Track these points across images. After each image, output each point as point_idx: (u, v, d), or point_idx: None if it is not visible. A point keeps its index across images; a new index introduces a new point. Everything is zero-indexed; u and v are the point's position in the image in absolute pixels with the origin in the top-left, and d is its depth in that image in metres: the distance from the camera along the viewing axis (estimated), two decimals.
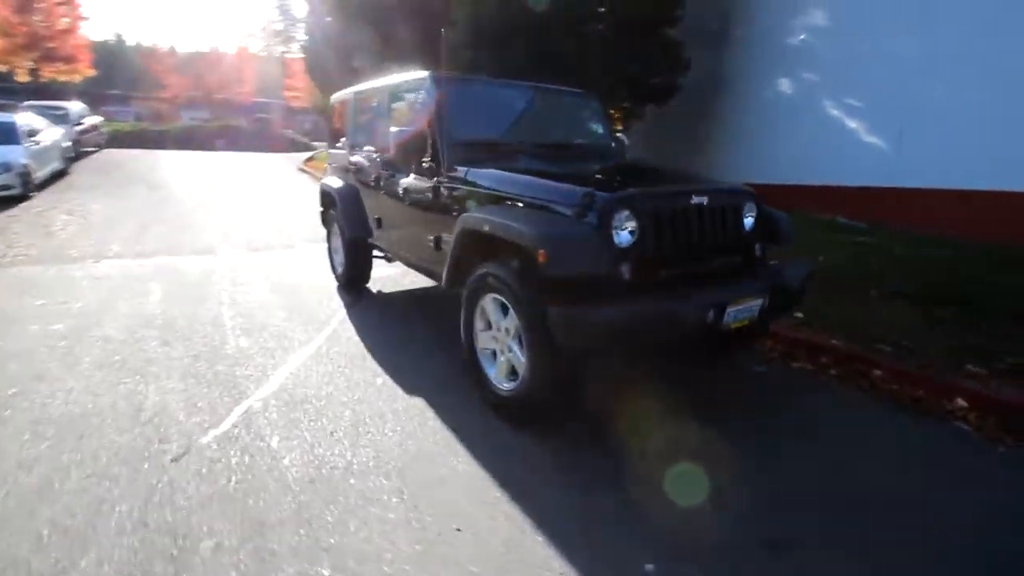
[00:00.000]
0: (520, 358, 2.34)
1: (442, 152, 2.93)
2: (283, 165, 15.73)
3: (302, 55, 16.12)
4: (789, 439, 2.47)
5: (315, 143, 21.78)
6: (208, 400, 2.63)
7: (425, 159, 3.03)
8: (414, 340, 3.51)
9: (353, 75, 8.73)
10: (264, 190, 11.08)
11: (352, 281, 4.39)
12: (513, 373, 2.44)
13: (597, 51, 7.12)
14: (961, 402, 2.69)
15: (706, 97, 8.25)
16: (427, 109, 3.04)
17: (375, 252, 4.14)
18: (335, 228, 4.42)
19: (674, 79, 7.63)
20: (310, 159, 16.29)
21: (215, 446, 2.26)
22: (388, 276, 4.87)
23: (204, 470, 2.10)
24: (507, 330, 2.42)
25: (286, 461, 2.16)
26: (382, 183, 3.68)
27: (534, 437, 2.35)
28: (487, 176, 2.69)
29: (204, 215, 7.98)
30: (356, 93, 4.19)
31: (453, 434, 2.38)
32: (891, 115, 6.26)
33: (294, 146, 22.06)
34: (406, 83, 3.41)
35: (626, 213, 2.18)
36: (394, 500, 1.95)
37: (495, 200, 2.58)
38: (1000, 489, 2.21)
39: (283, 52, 29.14)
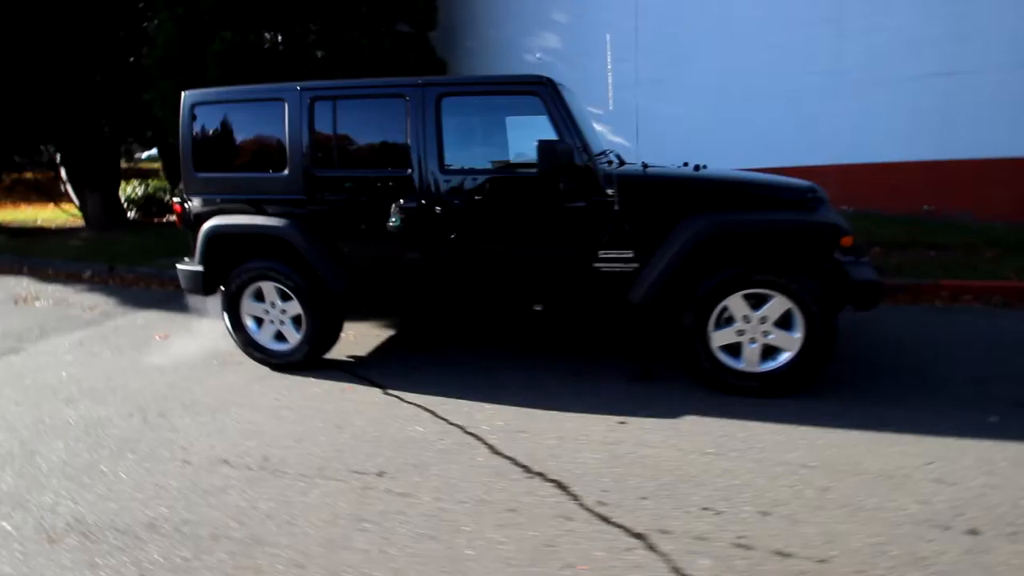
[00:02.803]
0: (781, 339, 2.69)
1: (594, 167, 2.81)
2: None
3: None
4: None
5: None
6: None
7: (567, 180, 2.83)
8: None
9: None
10: None
11: (319, 350, 3.43)
12: (766, 355, 2.75)
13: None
14: None
15: None
16: (566, 120, 2.81)
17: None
18: (270, 288, 3.35)
19: None
20: None
21: None
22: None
23: None
24: (762, 319, 2.69)
25: None
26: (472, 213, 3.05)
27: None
28: (671, 181, 2.84)
29: None
30: (345, 90, 3.21)
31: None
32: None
33: None
34: (506, 86, 3.00)
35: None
36: None
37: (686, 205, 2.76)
38: None
39: None
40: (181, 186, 3.49)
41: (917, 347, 3.48)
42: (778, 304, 2.67)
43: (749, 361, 2.78)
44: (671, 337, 2.94)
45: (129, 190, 11.54)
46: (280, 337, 3.47)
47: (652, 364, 3.33)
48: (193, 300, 4.79)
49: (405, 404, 2.95)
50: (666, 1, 7.59)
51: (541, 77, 2.81)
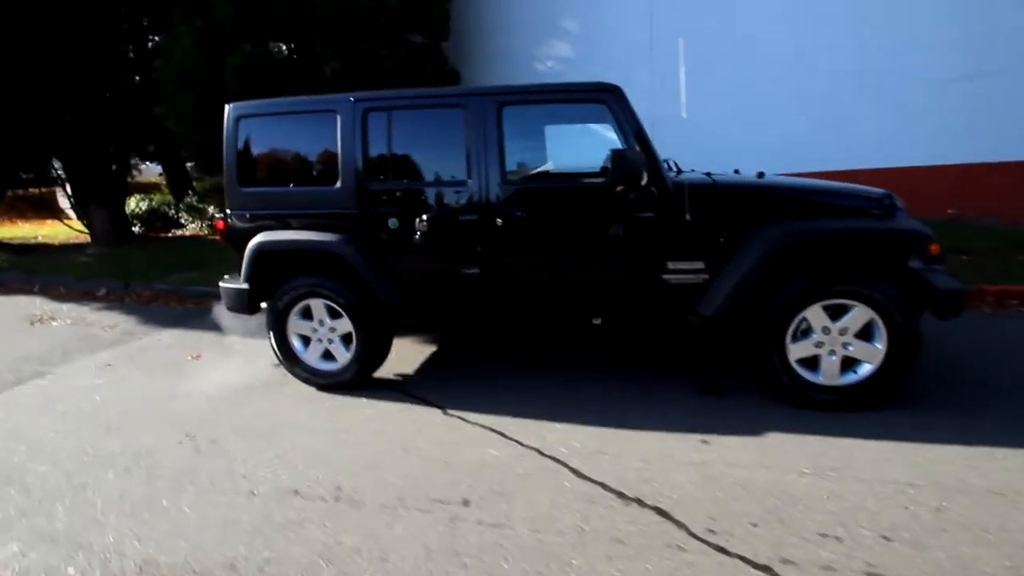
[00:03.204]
0: (862, 350, 2.62)
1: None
2: None
3: None
4: None
5: None
6: None
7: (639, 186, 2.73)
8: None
9: None
10: None
11: (369, 369, 3.31)
12: (845, 367, 2.67)
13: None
14: None
15: None
16: (635, 128, 2.73)
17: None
18: (319, 305, 3.22)
19: None
20: None
21: None
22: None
23: None
24: (842, 330, 2.61)
25: None
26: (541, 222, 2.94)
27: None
28: (742, 189, 2.76)
29: None
30: (405, 100, 3.10)
31: None
32: None
33: None
34: (571, 94, 2.91)
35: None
36: None
37: (763, 213, 2.70)
38: None
39: None
40: (226, 202, 3.38)
41: (982, 355, 3.41)
42: (860, 314, 2.59)
43: (828, 374, 2.69)
44: (744, 350, 2.86)
45: (133, 205, 11.37)
46: (327, 356, 3.35)
47: (718, 377, 3.23)
48: (220, 317, 4.67)
49: (469, 425, 2.83)
50: (680, 9, 7.60)
51: (608, 84, 2.73)
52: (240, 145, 3.25)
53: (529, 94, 2.89)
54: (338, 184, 3.10)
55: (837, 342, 2.66)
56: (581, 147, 3.10)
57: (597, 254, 2.90)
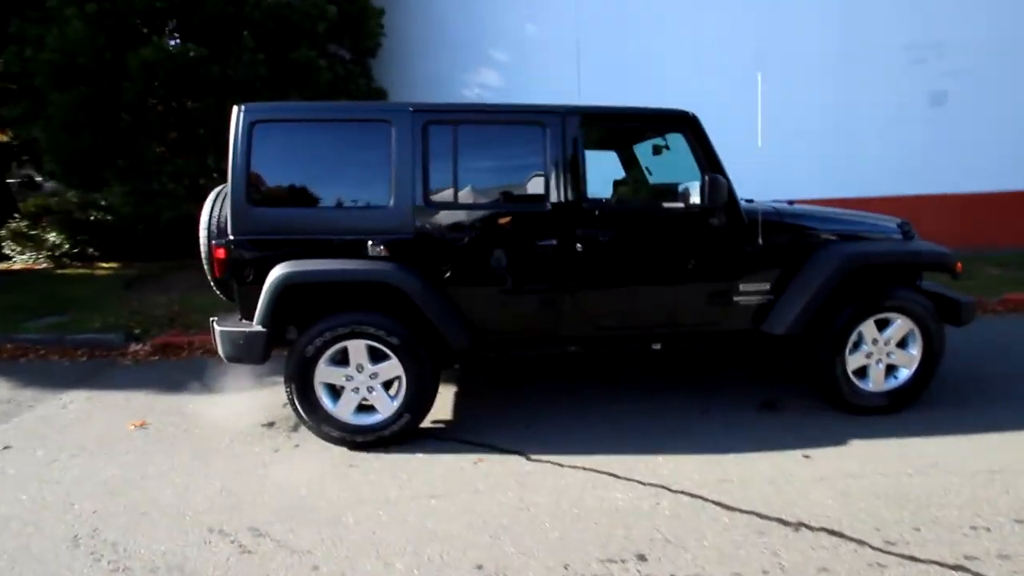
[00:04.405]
0: (902, 360, 2.96)
1: (714, 193, 2.77)
2: None
3: None
4: None
5: None
6: None
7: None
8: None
9: None
10: None
11: (420, 419, 2.87)
12: (890, 376, 3.00)
13: None
14: None
15: None
16: (712, 155, 2.82)
17: None
18: (359, 347, 2.71)
19: None
20: None
21: None
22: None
23: None
24: (886, 341, 2.93)
25: None
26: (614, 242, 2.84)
27: None
28: (803, 217, 2.98)
29: None
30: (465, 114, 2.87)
31: None
32: None
33: None
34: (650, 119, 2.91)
35: None
36: None
37: (817, 239, 2.95)
38: None
39: None
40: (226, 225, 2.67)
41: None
42: (902, 326, 2.93)
43: (876, 381, 2.99)
44: (806, 364, 3.04)
45: None
46: (361, 408, 2.81)
47: (763, 393, 3.36)
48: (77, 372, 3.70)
49: (569, 469, 2.57)
50: (605, 48, 8.15)
51: (686, 113, 2.78)
52: (254, 156, 2.63)
53: (611, 118, 2.81)
54: (390, 204, 2.67)
55: (883, 352, 2.97)
56: (659, 170, 3.09)
57: (678, 278, 2.89)
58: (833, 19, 7.43)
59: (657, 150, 3.18)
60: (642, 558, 1.96)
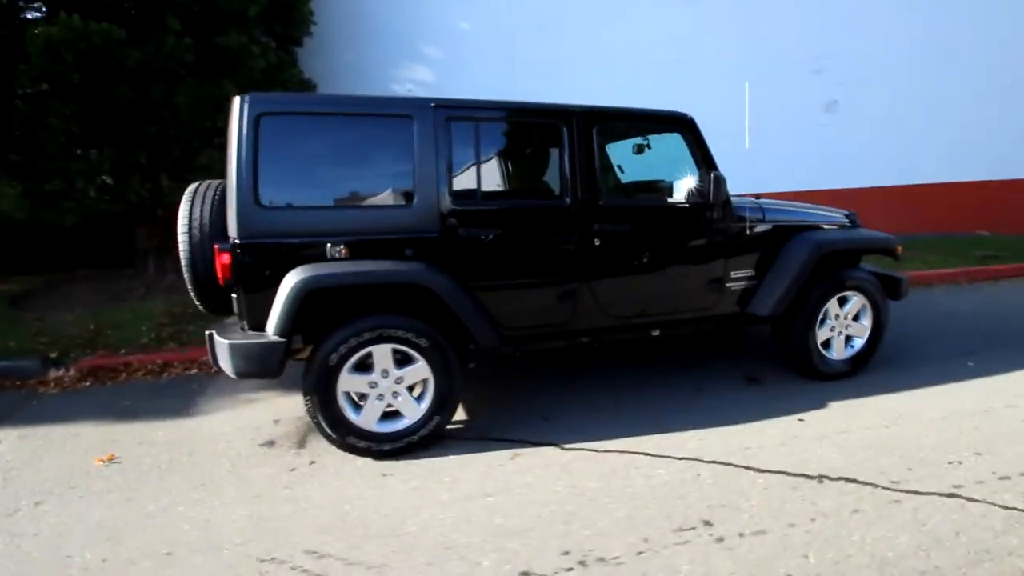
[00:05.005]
0: (856, 331, 3.45)
1: (718, 189, 3.06)
2: None
3: None
4: None
5: None
6: None
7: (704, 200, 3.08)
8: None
9: None
10: None
11: (447, 420, 2.80)
12: (848, 345, 3.47)
13: None
14: None
15: None
16: (707, 155, 3.08)
17: None
18: (384, 352, 2.60)
19: None
20: None
21: None
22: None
23: None
24: (845, 316, 3.40)
25: None
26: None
27: None
28: (779, 210, 3.35)
29: None
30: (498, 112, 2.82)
31: None
32: None
33: None
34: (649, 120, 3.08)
35: None
36: None
37: (791, 229, 3.34)
38: None
39: None
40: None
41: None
42: (857, 302, 3.41)
43: (838, 351, 3.46)
44: (784, 339, 3.42)
45: None
46: (385, 415, 2.69)
47: (743, 369, 3.71)
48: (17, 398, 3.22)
49: (605, 454, 2.67)
50: (540, 45, 8.33)
51: (684, 115, 3.00)
52: (261, 151, 2.40)
53: (618, 118, 2.95)
54: (414, 203, 2.58)
55: (843, 325, 3.44)
56: (654, 167, 3.27)
57: (681, 268, 3.12)
58: (739, 29, 8.26)
59: (640, 149, 3.41)
60: (708, 523, 2.12)
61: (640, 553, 1.97)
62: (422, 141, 2.58)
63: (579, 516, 2.20)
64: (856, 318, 3.50)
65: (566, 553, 1.98)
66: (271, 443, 2.93)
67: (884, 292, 3.47)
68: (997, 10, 8.56)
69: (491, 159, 2.75)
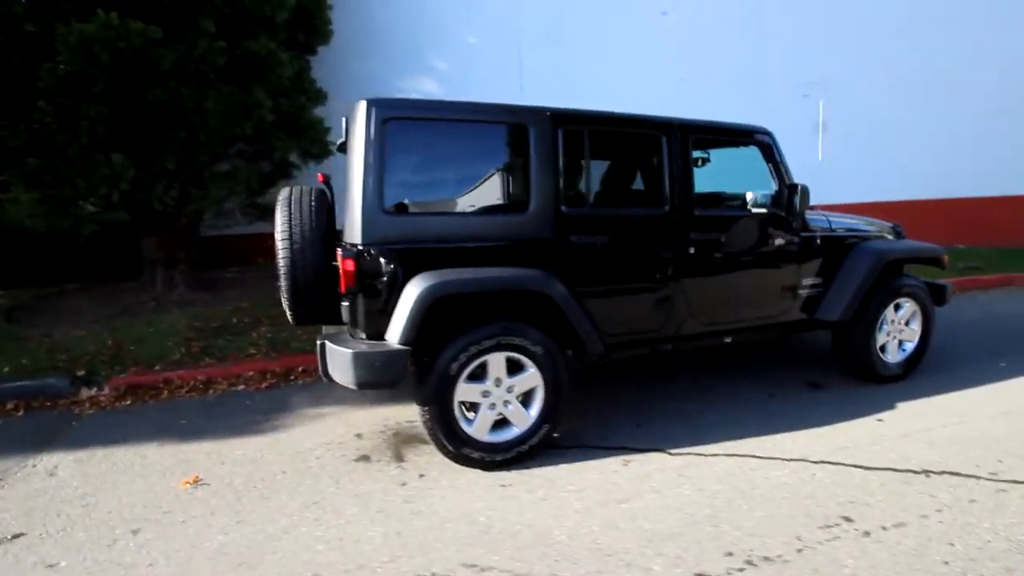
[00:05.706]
0: (908, 336, 3.65)
1: (803, 200, 3.22)
2: None
3: None
4: None
5: None
6: None
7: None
8: None
9: None
10: None
11: (556, 427, 2.81)
12: (899, 349, 3.67)
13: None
14: None
15: None
16: (785, 167, 3.23)
17: None
18: (498, 360, 2.58)
19: None
20: None
21: None
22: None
23: None
24: (900, 321, 3.60)
25: None
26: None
27: None
28: (842, 221, 3.57)
29: None
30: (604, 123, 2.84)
31: None
32: None
33: None
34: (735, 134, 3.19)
35: None
36: None
37: (855, 239, 3.55)
38: None
39: None
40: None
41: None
42: (910, 308, 3.63)
43: (892, 354, 3.65)
44: (845, 344, 3.59)
45: None
46: (495, 425, 2.65)
47: (801, 375, 3.85)
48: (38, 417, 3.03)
49: (714, 458, 2.73)
50: (549, 63, 8.48)
51: (767, 130, 3.15)
52: (387, 157, 2.35)
53: (709, 130, 3.06)
54: (530, 209, 2.59)
55: (897, 330, 3.65)
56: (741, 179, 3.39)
57: (762, 275, 3.24)
58: (738, 56, 8.68)
59: (701, 162, 3.55)
60: (848, 519, 2.20)
61: (800, 551, 2.02)
62: (538, 149, 2.61)
63: (721, 518, 2.24)
64: (907, 323, 3.72)
65: (729, 554, 2.01)
66: (366, 458, 2.82)
67: (932, 299, 3.72)
68: (956, 40, 9.31)
69: (598, 167, 2.80)
